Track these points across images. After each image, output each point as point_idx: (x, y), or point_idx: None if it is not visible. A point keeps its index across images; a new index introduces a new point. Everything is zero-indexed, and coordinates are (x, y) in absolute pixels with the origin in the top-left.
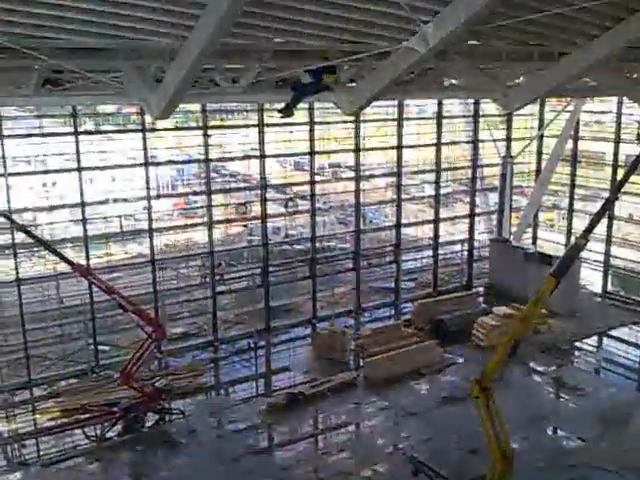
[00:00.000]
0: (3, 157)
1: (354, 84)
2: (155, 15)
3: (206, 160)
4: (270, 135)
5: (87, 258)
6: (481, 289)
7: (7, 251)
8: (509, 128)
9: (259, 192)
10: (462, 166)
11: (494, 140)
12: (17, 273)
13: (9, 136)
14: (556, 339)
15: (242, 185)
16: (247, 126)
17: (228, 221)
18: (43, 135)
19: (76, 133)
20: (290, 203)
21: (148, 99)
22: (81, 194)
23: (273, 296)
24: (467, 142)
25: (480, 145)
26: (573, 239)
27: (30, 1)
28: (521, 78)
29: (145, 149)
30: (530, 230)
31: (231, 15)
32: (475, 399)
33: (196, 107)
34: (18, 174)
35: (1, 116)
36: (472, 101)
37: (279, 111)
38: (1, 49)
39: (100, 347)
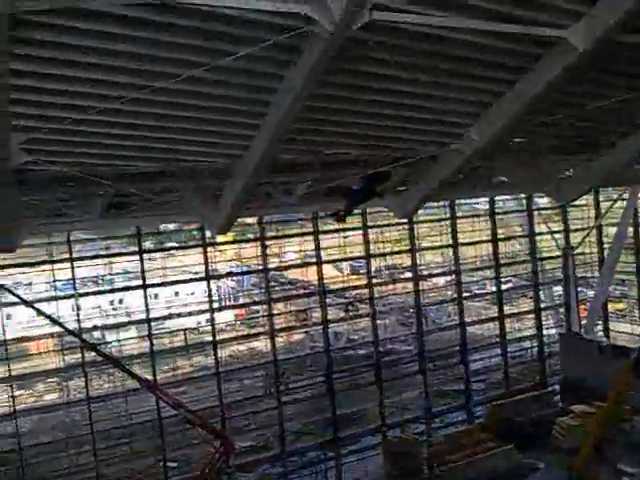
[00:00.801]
0: (73, 279)
1: (404, 188)
2: (212, 138)
3: (265, 270)
4: (326, 241)
5: (154, 373)
6: (557, 387)
7: (77, 370)
8: (566, 219)
9: (318, 298)
10: (521, 260)
11: (551, 232)
12: (87, 391)
13: (78, 258)
14: None
15: (301, 292)
16: (303, 234)
17: (289, 329)
18: (109, 256)
19: (140, 252)
20: (350, 307)
21: (207, 216)
22: (147, 311)
23: (339, 403)
24: (523, 236)
25: (538, 238)
26: None
27: (98, 133)
28: (571, 170)
29: (206, 263)
30: (601, 322)
31: (281, 133)
32: None
33: (253, 220)
34: (87, 294)
35: (70, 240)
36: (524, 195)
37: (331, 215)
38: (70, 179)
39: (169, 463)
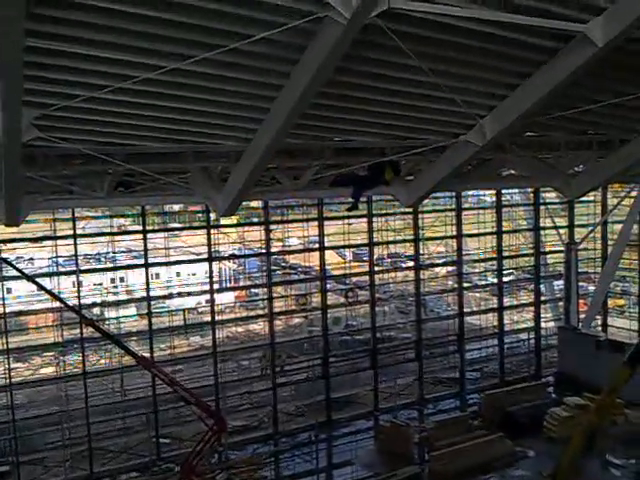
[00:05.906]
0: (75, 255)
1: (412, 177)
2: (222, 121)
3: (267, 254)
4: (329, 228)
5: (151, 351)
6: (550, 379)
7: (75, 345)
8: (571, 215)
9: (319, 283)
10: (524, 254)
11: (556, 227)
12: (84, 366)
13: (82, 235)
14: (634, 430)
15: (302, 277)
16: (307, 220)
17: (288, 312)
18: (113, 234)
19: (144, 231)
20: (350, 293)
21: (214, 198)
22: (147, 289)
23: (334, 387)
24: (528, 230)
25: (542, 232)
26: None
27: (109, 112)
28: (581, 166)
29: (209, 245)
30: (599, 317)
31: (292, 118)
32: None
33: (258, 203)
34: (88, 271)
35: (75, 217)
36: (531, 189)
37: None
38: (79, 156)
39: (162, 440)
